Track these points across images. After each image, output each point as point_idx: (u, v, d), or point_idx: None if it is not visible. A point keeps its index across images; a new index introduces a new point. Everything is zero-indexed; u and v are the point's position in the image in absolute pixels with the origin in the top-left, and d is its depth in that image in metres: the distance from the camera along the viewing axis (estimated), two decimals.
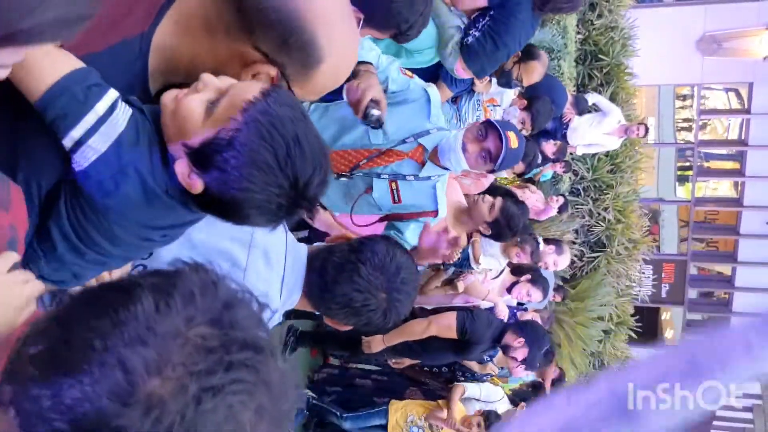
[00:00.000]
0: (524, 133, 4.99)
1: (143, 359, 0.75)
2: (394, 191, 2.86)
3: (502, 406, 4.68)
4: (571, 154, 7.98)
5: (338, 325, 1.85)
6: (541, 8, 3.49)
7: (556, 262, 5.49)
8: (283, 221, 1.28)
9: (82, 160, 1.16)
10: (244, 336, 0.82)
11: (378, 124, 2.47)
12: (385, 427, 4.53)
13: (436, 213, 2.90)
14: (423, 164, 2.85)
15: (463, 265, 4.45)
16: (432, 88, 2.87)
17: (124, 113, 1.17)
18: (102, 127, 1.15)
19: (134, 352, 0.75)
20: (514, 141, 2.79)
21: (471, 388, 4.66)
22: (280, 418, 0.87)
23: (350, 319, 1.78)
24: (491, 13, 3.40)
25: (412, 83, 2.78)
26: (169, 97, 1.22)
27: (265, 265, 1.73)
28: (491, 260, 4.67)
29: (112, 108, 1.16)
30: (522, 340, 4.28)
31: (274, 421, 0.86)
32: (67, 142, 1.15)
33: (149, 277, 0.83)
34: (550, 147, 6.55)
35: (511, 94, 4.91)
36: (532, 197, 6.01)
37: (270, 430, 0.86)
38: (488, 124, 2.89)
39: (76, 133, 1.14)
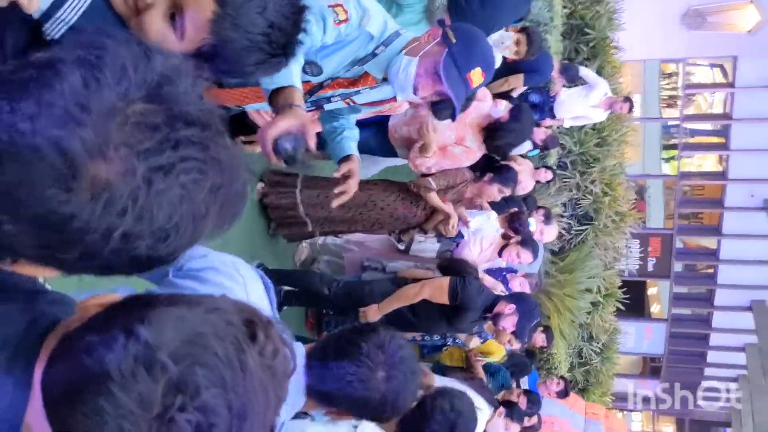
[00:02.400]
0: (516, 57, 4.99)
1: (80, 139, 0.68)
2: (350, 104, 2.58)
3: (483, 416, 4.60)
4: (558, 127, 8.04)
5: (343, 415, 1.85)
6: None
7: (542, 231, 5.55)
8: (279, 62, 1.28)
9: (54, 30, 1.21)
10: (188, 111, 0.76)
11: (293, 160, 1.96)
12: None
13: (394, 99, 2.57)
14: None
15: (456, 237, 4.53)
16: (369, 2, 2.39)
17: None
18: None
19: (69, 133, 0.68)
20: (477, 80, 2.35)
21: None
22: (235, 198, 0.83)
23: (350, 402, 1.75)
24: None
25: (343, 28, 2.29)
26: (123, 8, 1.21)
27: None
28: (480, 218, 4.72)
29: None
30: (513, 306, 4.31)
31: (229, 200, 0.82)
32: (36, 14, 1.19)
33: (71, 51, 0.73)
34: (540, 133, 6.59)
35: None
36: (518, 168, 6.06)
37: (225, 210, 0.82)
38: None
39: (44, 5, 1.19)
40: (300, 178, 4.33)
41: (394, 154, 4.27)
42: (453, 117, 2.46)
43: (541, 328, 6.29)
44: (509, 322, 4.28)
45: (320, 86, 2.46)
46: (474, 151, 4.32)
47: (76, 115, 0.68)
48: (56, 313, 0.89)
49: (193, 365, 0.74)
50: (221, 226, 0.83)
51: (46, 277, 0.93)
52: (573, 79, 6.84)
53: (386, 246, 4.86)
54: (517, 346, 5.43)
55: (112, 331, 0.75)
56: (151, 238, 0.75)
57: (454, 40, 2.30)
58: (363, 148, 2.85)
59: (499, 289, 4.90)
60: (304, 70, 2.28)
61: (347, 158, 2.53)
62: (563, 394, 6.48)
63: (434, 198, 4.42)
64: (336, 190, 2.42)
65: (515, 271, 5.39)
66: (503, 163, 5.13)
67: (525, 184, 6.28)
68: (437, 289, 4.12)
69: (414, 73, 2.34)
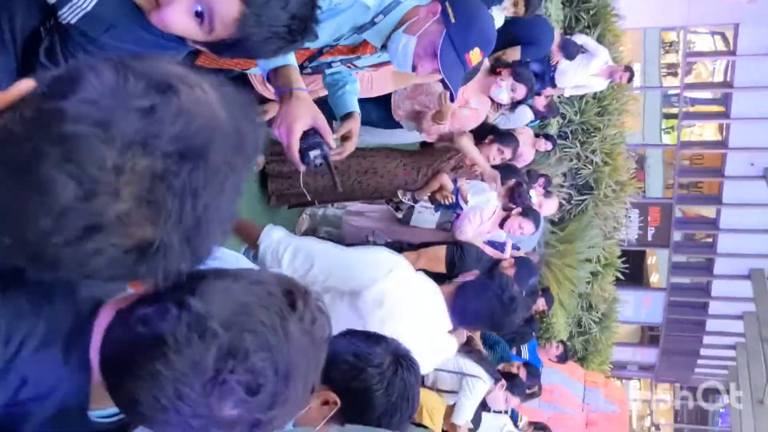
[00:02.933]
0: (517, 14, 4.98)
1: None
2: (350, 67, 2.54)
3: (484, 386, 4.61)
4: (558, 96, 8.00)
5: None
6: None
7: (542, 203, 5.55)
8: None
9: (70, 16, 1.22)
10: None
11: (325, 167, 1.98)
12: None
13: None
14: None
15: (453, 206, 4.52)
16: None
17: None
18: None
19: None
20: (476, 59, 2.31)
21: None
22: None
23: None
24: None
25: None
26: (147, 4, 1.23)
27: None
28: (479, 197, 4.72)
29: None
30: (512, 260, 4.32)
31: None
32: None
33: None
34: (540, 101, 6.57)
35: None
36: (519, 138, 6.05)
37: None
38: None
39: None
40: None
41: (395, 126, 4.26)
42: (452, 98, 2.44)
43: (540, 292, 6.33)
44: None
45: (320, 52, 2.42)
46: (480, 112, 4.34)
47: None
48: (93, 293, 0.94)
49: (241, 332, 0.82)
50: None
51: None
52: (571, 56, 6.78)
53: (386, 216, 4.85)
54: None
55: (165, 303, 0.83)
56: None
57: (453, 20, 2.26)
58: (364, 121, 2.82)
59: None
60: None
61: (349, 115, 2.48)
62: (563, 359, 6.53)
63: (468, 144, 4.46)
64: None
65: (517, 248, 5.39)
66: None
67: (525, 155, 6.27)
68: (434, 260, 4.08)
69: (413, 52, 2.31)
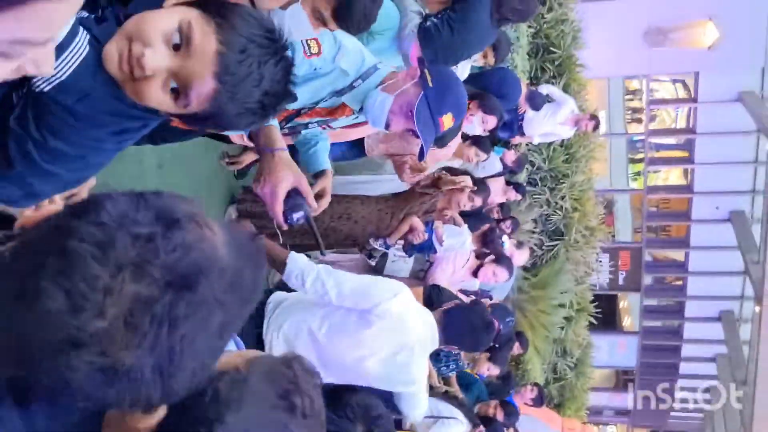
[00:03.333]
0: (487, 63, 5.10)
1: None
2: (326, 128, 2.62)
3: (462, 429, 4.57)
4: (527, 144, 8.14)
5: None
6: (498, 12, 3.59)
7: (514, 254, 5.61)
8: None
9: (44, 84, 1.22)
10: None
11: (308, 225, 2.13)
12: None
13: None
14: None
15: (428, 248, 4.54)
16: (343, 35, 2.42)
17: (83, 40, 1.23)
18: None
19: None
20: (448, 124, 2.44)
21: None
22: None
23: None
24: (452, 6, 3.50)
25: (315, 60, 2.33)
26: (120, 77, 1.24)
27: None
28: (454, 240, 4.76)
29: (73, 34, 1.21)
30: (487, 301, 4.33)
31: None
32: None
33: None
34: (510, 155, 6.72)
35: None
36: (492, 186, 6.13)
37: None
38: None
39: None
40: None
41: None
42: (421, 156, 2.52)
43: (515, 335, 6.32)
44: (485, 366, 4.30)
45: (298, 113, 2.49)
46: (451, 147, 4.41)
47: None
48: None
49: None
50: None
51: None
52: (537, 107, 6.95)
53: (360, 265, 4.86)
54: (495, 371, 5.45)
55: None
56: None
57: (431, 84, 2.38)
58: (339, 158, 2.88)
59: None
60: (335, 59, 2.35)
61: (321, 173, 2.53)
62: (539, 402, 6.49)
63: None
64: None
65: (490, 297, 5.42)
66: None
67: (495, 204, 6.35)
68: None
69: (388, 110, 2.41)
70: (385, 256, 4.57)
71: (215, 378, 0.89)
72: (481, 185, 5.08)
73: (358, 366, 2.85)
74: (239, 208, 4.42)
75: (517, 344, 6.08)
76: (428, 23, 3.42)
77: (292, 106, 2.42)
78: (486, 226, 5.13)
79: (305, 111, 2.50)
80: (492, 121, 4.78)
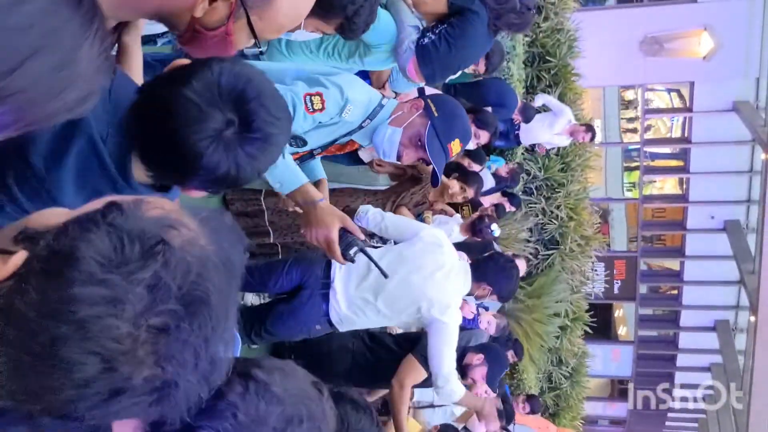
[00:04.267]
0: (477, 71, 5.16)
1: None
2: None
3: (460, 408, 4.63)
4: (522, 153, 8.16)
5: None
6: (495, 24, 3.59)
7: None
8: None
9: None
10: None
11: (363, 254, 2.38)
12: None
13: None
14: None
15: None
16: (349, 86, 2.50)
17: None
18: None
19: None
20: (456, 149, 2.64)
21: (423, 393, 4.55)
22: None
23: None
24: (449, 21, 3.51)
25: (319, 116, 2.45)
26: None
27: None
28: (444, 227, 4.78)
29: None
30: (481, 356, 4.27)
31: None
32: None
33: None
34: (503, 168, 6.74)
35: None
36: (484, 201, 6.13)
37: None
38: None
39: None
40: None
41: (358, 161, 4.40)
42: (435, 183, 2.72)
43: (510, 343, 6.29)
44: (479, 374, 4.27)
45: (311, 155, 2.65)
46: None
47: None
48: None
49: (297, 404, 1.00)
50: None
51: None
52: (529, 120, 7.02)
53: None
54: (492, 395, 5.40)
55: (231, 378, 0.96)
56: None
57: (436, 114, 2.54)
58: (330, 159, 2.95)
59: (467, 315, 4.93)
60: (289, 143, 2.36)
61: (318, 182, 2.63)
62: (535, 411, 6.45)
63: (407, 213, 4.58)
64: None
65: (486, 308, 5.41)
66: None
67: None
68: (414, 373, 3.87)
69: (398, 142, 2.57)
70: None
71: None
72: (473, 176, 5.06)
73: (405, 281, 3.33)
74: (231, 209, 4.41)
75: (511, 352, 6.05)
76: (426, 40, 3.42)
77: (306, 148, 2.57)
78: (475, 215, 5.14)
79: (318, 151, 2.64)
80: (485, 136, 4.79)
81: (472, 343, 4.93)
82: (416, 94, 2.66)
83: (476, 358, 4.25)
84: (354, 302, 3.46)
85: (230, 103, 1.20)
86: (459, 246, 4.96)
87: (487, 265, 3.68)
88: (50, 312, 0.72)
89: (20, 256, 0.77)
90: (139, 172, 1.29)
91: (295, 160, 2.52)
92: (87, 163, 1.23)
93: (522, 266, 6.09)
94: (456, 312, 3.43)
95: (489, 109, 6.02)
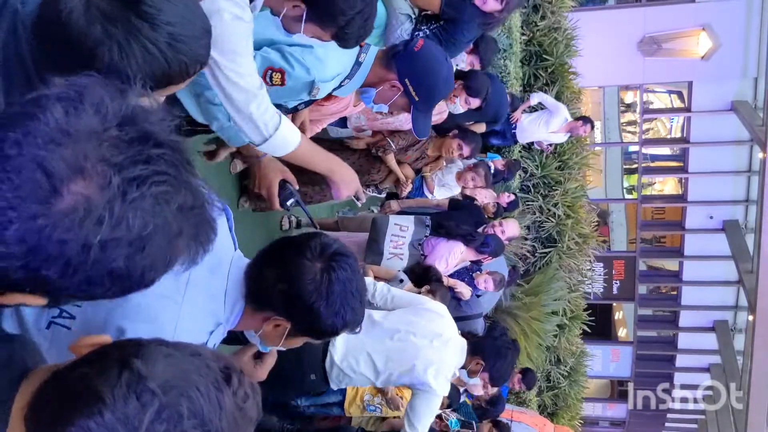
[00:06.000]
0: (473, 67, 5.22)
1: (62, 159, 0.76)
2: None
3: None
4: (520, 151, 8.18)
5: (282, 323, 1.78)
6: (486, 25, 3.80)
7: (504, 231, 5.64)
8: None
9: None
10: (159, 135, 0.84)
11: (300, 206, 2.61)
12: (341, 403, 4.43)
13: None
14: None
15: (416, 195, 4.64)
16: (317, 66, 2.52)
17: None
18: None
19: (51, 153, 0.76)
20: (440, 105, 2.94)
21: None
22: (206, 225, 0.90)
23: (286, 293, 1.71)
24: (442, 23, 3.63)
25: (280, 90, 2.53)
26: None
27: (207, 278, 1.67)
28: (445, 190, 4.83)
29: None
30: (480, 363, 4.16)
31: (201, 224, 0.89)
32: None
33: (54, 89, 0.83)
34: (500, 162, 6.75)
35: None
36: (483, 192, 6.13)
37: (198, 235, 0.89)
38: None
39: None
40: None
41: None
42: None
43: (519, 370, 6.21)
44: (482, 379, 4.25)
45: (296, 109, 2.78)
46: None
47: (57, 138, 0.77)
48: (25, 358, 0.96)
49: (178, 396, 0.83)
50: (195, 252, 0.90)
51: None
52: (515, 109, 7.06)
53: (362, 243, 4.86)
54: (493, 390, 5.37)
55: (106, 362, 0.84)
56: (128, 247, 0.81)
57: (417, 98, 2.59)
58: None
59: (467, 293, 4.94)
60: (310, 94, 2.61)
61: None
62: (530, 385, 6.43)
63: (392, 160, 4.66)
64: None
65: (480, 270, 5.41)
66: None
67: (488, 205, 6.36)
68: None
69: (387, 109, 2.78)
70: (380, 255, 4.58)
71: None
72: (471, 134, 5.09)
73: (405, 339, 3.41)
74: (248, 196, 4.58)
75: (518, 377, 6.04)
76: (420, 34, 3.52)
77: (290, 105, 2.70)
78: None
79: (302, 107, 2.76)
80: (475, 103, 4.82)
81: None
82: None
83: (475, 363, 4.10)
84: (351, 352, 3.46)
85: None
86: (461, 237, 5.01)
87: (485, 342, 3.75)
88: None
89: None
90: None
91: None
92: None
93: (515, 228, 6.08)
94: (445, 383, 3.47)
95: (483, 124, 6.07)
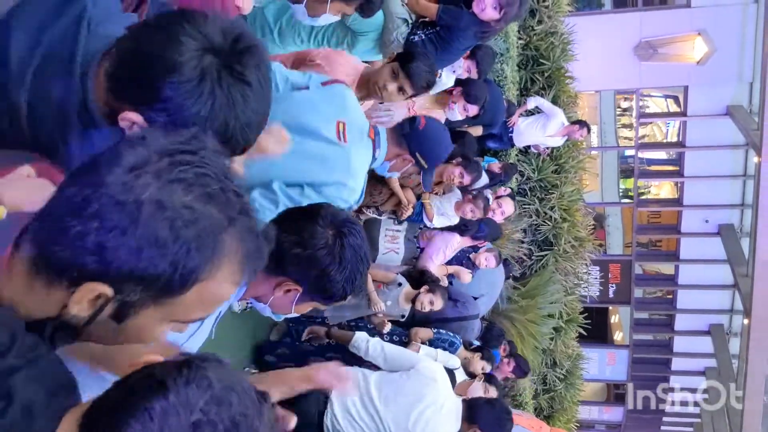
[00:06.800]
0: (470, 75, 5.23)
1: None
2: None
3: (459, 375, 4.67)
4: (516, 155, 8.21)
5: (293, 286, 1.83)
6: (482, 34, 3.84)
7: (503, 212, 5.67)
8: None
9: None
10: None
11: None
12: None
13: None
14: None
15: (416, 220, 4.66)
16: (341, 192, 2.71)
17: None
18: None
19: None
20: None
21: (426, 350, 4.63)
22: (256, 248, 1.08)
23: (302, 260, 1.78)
24: (438, 29, 3.67)
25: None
26: None
27: None
28: (443, 219, 4.85)
29: None
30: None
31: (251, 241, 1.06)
32: None
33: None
34: (496, 165, 6.81)
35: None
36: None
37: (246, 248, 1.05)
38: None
39: None
40: None
41: None
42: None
43: (509, 353, 6.25)
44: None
45: None
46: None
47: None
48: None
49: (229, 390, 0.94)
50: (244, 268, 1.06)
51: None
52: (510, 115, 7.07)
53: None
54: (488, 368, 5.45)
55: (165, 366, 0.96)
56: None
57: (425, 166, 2.88)
58: None
59: (468, 278, 4.99)
60: None
61: None
62: (520, 373, 6.39)
63: (395, 183, 4.69)
64: None
65: (477, 249, 5.44)
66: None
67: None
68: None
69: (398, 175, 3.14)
70: (375, 251, 4.63)
71: None
72: (474, 164, 5.13)
73: (398, 411, 3.44)
74: None
75: (514, 366, 6.06)
76: (416, 38, 3.56)
77: None
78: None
79: None
80: (473, 110, 4.86)
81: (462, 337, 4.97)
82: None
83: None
84: (349, 412, 3.51)
85: None
86: (455, 228, 5.04)
87: (483, 409, 3.71)
88: None
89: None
90: None
91: None
92: None
93: (510, 207, 6.12)
94: None
95: (480, 127, 6.10)
